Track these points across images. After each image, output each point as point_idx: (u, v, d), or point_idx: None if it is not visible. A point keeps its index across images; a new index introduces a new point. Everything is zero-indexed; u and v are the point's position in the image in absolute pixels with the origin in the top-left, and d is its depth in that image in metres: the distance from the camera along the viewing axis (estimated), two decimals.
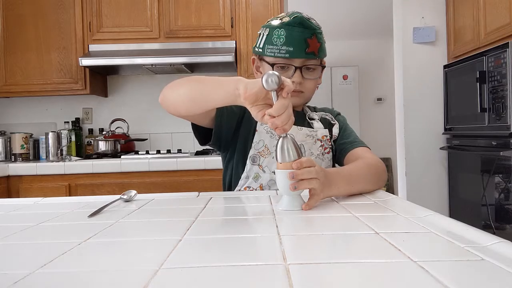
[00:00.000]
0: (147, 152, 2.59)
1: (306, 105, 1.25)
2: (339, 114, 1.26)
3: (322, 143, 1.14)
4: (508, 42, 2.27)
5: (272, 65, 1.09)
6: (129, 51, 2.60)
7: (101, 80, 2.90)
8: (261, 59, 1.14)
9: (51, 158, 2.64)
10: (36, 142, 2.79)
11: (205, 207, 0.83)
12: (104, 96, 2.96)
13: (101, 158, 2.57)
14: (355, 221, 0.66)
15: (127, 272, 0.44)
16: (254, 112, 0.76)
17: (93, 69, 2.70)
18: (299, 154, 0.78)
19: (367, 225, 0.62)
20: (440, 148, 3.09)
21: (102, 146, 2.70)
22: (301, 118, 1.18)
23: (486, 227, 2.52)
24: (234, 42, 2.66)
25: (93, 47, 2.64)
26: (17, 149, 2.72)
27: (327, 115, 1.20)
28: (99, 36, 2.65)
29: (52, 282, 0.42)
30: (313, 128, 1.16)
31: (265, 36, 1.10)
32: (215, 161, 2.37)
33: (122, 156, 2.54)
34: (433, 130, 3.14)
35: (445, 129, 3.05)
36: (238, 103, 0.80)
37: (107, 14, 2.64)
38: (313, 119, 1.19)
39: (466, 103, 2.72)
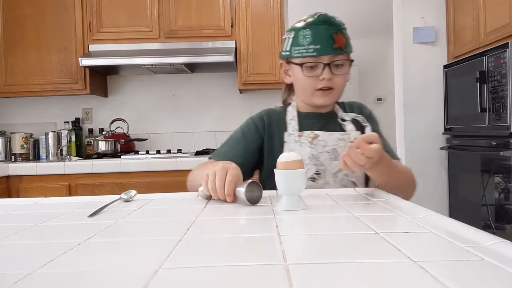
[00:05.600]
0: (147, 152, 2.59)
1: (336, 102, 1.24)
2: (371, 113, 1.25)
3: None
4: (508, 42, 2.27)
5: (301, 64, 1.10)
6: (129, 51, 2.60)
7: (101, 80, 2.90)
8: (289, 62, 1.15)
9: (51, 158, 2.64)
10: (36, 142, 2.79)
11: (205, 207, 0.83)
12: (104, 96, 2.96)
13: (101, 158, 2.57)
14: (355, 221, 0.66)
15: (127, 272, 0.44)
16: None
17: (93, 69, 2.70)
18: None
19: (367, 225, 0.62)
20: (440, 148, 3.09)
21: (102, 146, 2.70)
22: (332, 120, 1.18)
23: (486, 227, 2.52)
24: (234, 42, 2.66)
25: (93, 47, 2.64)
26: (17, 149, 2.72)
27: (358, 116, 1.17)
28: (99, 36, 2.65)
29: (52, 282, 0.42)
30: (345, 131, 1.16)
31: (291, 39, 1.12)
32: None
33: (122, 156, 2.54)
34: (433, 130, 3.14)
35: (445, 129, 3.05)
36: None
37: (107, 14, 2.64)
38: (345, 120, 1.17)
39: (466, 103, 2.72)
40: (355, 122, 1.17)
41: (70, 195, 2.35)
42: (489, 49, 2.47)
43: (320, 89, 1.11)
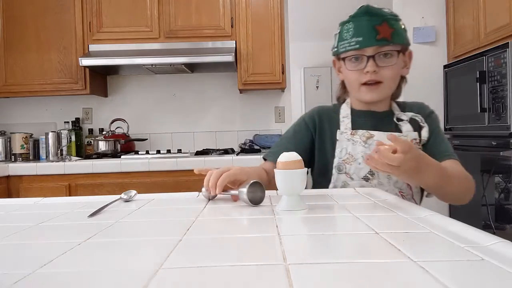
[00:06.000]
0: (147, 152, 2.59)
1: (395, 100, 1.18)
2: (432, 112, 1.16)
3: None
4: (508, 42, 2.27)
5: (344, 58, 1.08)
6: (129, 51, 2.60)
7: (101, 80, 2.90)
8: (339, 58, 1.13)
9: (51, 158, 2.64)
10: (36, 142, 2.79)
11: (205, 207, 0.83)
12: (104, 96, 2.96)
13: (101, 158, 2.57)
14: (355, 221, 0.66)
15: (127, 272, 0.44)
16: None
17: (93, 69, 2.70)
18: None
19: (367, 225, 0.62)
20: None
21: (102, 146, 2.70)
22: (388, 119, 1.13)
23: (486, 227, 2.52)
24: (234, 42, 2.66)
25: (93, 47, 2.64)
26: (17, 149, 2.72)
27: (417, 116, 1.11)
28: (99, 36, 2.65)
29: (52, 282, 0.42)
30: (401, 131, 1.10)
31: (338, 35, 1.11)
32: (215, 161, 2.37)
33: (122, 156, 2.54)
34: None
35: (445, 129, 3.05)
36: None
37: (107, 14, 2.64)
38: (401, 120, 1.11)
39: (466, 103, 2.72)
40: (413, 122, 1.11)
41: (70, 195, 2.35)
42: (489, 49, 2.47)
43: (366, 83, 1.07)
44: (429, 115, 1.14)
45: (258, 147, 2.84)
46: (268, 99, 3.01)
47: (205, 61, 2.57)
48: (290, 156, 0.78)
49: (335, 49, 1.12)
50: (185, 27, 2.65)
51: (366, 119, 1.14)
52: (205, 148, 2.85)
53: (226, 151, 2.63)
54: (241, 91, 2.91)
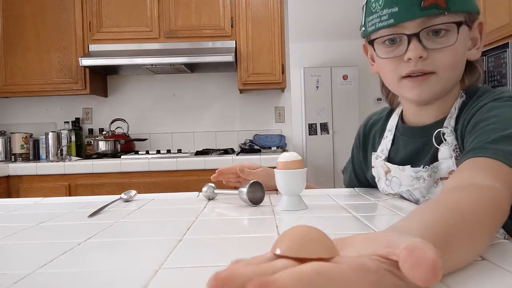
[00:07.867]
0: (147, 152, 2.59)
1: (469, 89, 0.75)
2: (496, 99, 0.67)
3: None
4: (508, 42, 2.27)
5: (373, 42, 0.74)
6: (129, 51, 2.60)
7: (101, 80, 2.90)
8: (370, 42, 0.76)
9: (51, 158, 2.64)
10: (36, 142, 2.80)
11: (205, 207, 0.83)
12: (104, 96, 2.96)
13: (101, 158, 2.57)
14: (355, 221, 0.66)
15: (127, 272, 0.44)
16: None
17: (93, 69, 2.70)
18: None
19: (367, 225, 0.62)
20: None
21: (102, 146, 2.70)
22: (437, 136, 0.73)
23: None
24: (234, 42, 2.66)
25: (93, 47, 2.64)
26: (17, 149, 2.72)
27: (446, 130, 0.72)
28: (99, 36, 2.65)
29: (52, 282, 0.42)
30: (437, 157, 0.72)
31: (365, 7, 0.76)
32: (215, 161, 2.37)
33: (122, 156, 2.54)
34: None
35: None
36: None
37: (107, 14, 2.65)
38: (447, 137, 0.72)
39: None
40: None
41: (70, 195, 2.35)
42: (489, 49, 2.47)
43: (409, 75, 0.71)
44: (481, 108, 0.67)
45: (258, 147, 2.84)
46: (268, 99, 3.01)
47: (205, 61, 2.57)
48: (290, 156, 0.78)
49: (363, 29, 0.77)
50: (185, 27, 2.65)
51: (407, 139, 0.81)
52: (205, 148, 2.85)
53: (226, 151, 2.63)
54: (241, 91, 2.91)
